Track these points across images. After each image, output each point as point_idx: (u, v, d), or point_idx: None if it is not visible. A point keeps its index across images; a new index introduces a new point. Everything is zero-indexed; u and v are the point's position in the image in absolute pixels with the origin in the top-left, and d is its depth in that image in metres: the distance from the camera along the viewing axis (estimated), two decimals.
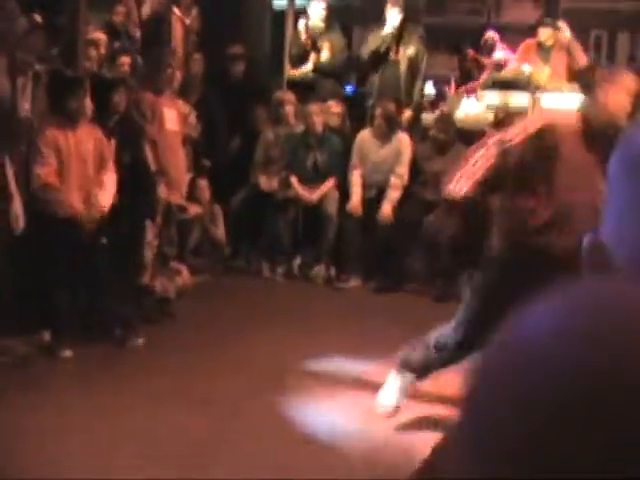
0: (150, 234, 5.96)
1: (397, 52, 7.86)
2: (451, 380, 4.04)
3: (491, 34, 8.45)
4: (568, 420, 0.49)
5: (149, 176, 5.95)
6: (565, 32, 8.04)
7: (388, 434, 4.25)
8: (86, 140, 5.44)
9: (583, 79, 6.81)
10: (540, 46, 8.17)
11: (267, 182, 7.32)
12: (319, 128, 7.27)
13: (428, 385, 4.42)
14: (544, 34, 8.12)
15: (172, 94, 6.46)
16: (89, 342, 5.32)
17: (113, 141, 5.75)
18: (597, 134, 3.54)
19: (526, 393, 0.51)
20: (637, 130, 0.79)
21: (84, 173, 5.40)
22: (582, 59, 8.00)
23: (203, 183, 7.07)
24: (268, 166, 7.38)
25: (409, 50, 7.91)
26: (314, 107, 7.29)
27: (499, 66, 8.17)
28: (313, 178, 7.24)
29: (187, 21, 8.60)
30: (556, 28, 8.08)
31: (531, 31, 8.42)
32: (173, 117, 6.26)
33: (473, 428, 0.54)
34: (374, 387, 4.63)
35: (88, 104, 5.47)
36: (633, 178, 0.74)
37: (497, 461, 0.51)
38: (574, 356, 0.51)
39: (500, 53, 8.35)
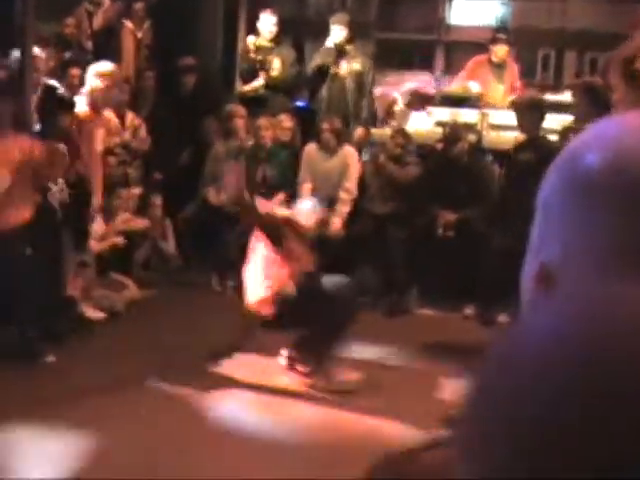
0: (69, 246, 5.90)
1: (339, 67, 7.93)
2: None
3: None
4: (569, 425, 0.50)
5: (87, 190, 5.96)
6: None
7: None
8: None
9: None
10: (492, 63, 8.25)
11: (216, 195, 7.31)
12: (268, 142, 7.29)
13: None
14: (501, 51, 8.20)
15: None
16: (4, 356, 5.18)
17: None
18: None
19: (527, 398, 0.51)
20: (583, 150, 0.76)
21: None
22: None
23: (156, 200, 7.07)
24: (218, 179, 7.37)
25: (355, 65, 7.97)
26: (263, 121, 7.31)
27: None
28: (263, 192, 7.24)
29: (139, 34, 8.58)
30: (510, 44, 8.20)
31: (483, 48, 8.52)
32: (100, 136, 6.26)
33: (474, 430, 0.55)
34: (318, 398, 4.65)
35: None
36: (584, 201, 0.73)
37: (499, 463, 0.52)
38: (574, 361, 0.51)
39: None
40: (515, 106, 6.90)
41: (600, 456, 0.49)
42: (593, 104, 5.33)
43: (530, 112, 6.63)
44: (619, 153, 0.73)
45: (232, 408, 4.82)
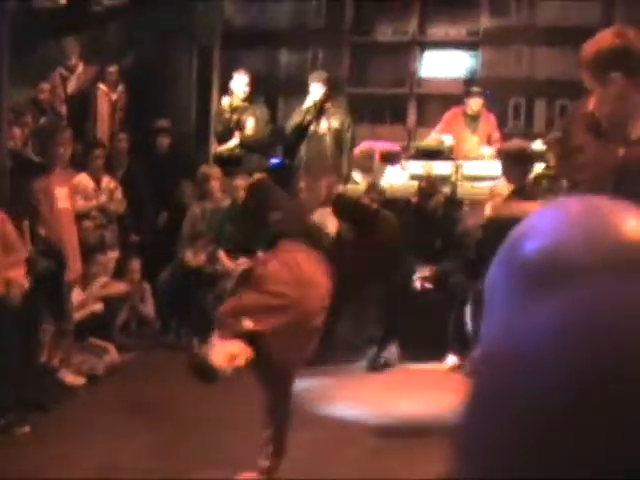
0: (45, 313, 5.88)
1: (319, 125, 8.01)
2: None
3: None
4: (570, 420, 0.50)
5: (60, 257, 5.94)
6: None
7: None
8: None
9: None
10: (467, 115, 8.38)
11: (194, 257, 7.32)
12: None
13: None
14: (476, 104, 8.33)
15: (63, 170, 6.46)
16: None
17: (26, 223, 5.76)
18: None
19: (528, 394, 0.52)
20: (522, 238, 0.78)
21: None
22: None
23: (135, 264, 7.07)
24: (195, 241, 7.39)
25: (334, 123, 8.05)
26: (240, 181, 7.35)
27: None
28: (240, 251, 7.25)
29: (113, 97, 8.65)
30: (484, 96, 8.34)
31: (454, 101, 8.64)
32: (64, 195, 6.27)
33: (476, 430, 0.55)
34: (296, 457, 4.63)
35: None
36: (521, 289, 0.74)
37: (500, 461, 0.52)
38: (573, 355, 0.51)
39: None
40: (503, 156, 6.76)
41: (602, 454, 0.49)
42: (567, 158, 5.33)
43: (518, 162, 6.46)
44: (554, 246, 0.74)
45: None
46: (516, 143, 6.51)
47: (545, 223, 0.77)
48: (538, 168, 7.23)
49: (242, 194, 7.30)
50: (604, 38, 2.73)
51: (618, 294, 0.56)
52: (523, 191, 6.42)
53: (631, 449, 0.48)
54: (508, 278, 0.77)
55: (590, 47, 2.74)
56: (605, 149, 3.40)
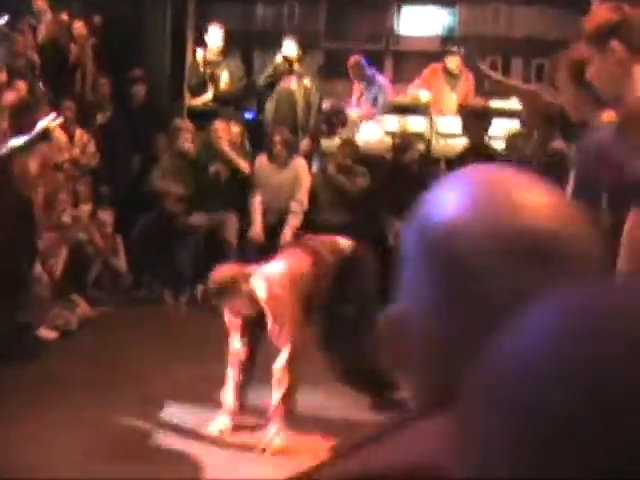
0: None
1: (289, 81, 7.95)
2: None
3: (357, 57, 8.45)
4: (570, 424, 0.49)
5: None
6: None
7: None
8: None
9: None
10: (447, 72, 8.37)
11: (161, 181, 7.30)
12: (225, 145, 7.31)
13: None
14: (452, 62, 8.31)
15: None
16: None
17: None
18: None
19: (528, 397, 0.51)
20: (435, 202, 0.78)
21: None
22: None
23: (106, 217, 7.01)
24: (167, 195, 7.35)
25: (305, 80, 8.00)
26: (220, 124, 7.34)
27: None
28: (214, 204, 7.24)
29: (87, 49, 8.49)
30: (462, 55, 8.33)
31: (432, 58, 8.61)
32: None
33: (476, 431, 0.54)
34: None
35: None
36: (432, 266, 0.75)
37: (500, 462, 0.51)
38: (575, 357, 0.51)
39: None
40: (462, 114, 6.98)
41: (600, 458, 0.48)
42: (539, 111, 5.38)
43: (475, 120, 6.69)
44: (457, 231, 0.75)
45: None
46: (474, 101, 6.69)
47: (450, 200, 0.78)
48: (512, 127, 7.26)
49: (219, 136, 7.29)
50: (603, 11, 2.92)
51: (620, 294, 0.55)
52: (479, 149, 6.56)
53: (628, 453, 0.48)
54: (418, 250, 0.78)
55: (590, 19, 2.94)
56: (583, 98, 3.43)
